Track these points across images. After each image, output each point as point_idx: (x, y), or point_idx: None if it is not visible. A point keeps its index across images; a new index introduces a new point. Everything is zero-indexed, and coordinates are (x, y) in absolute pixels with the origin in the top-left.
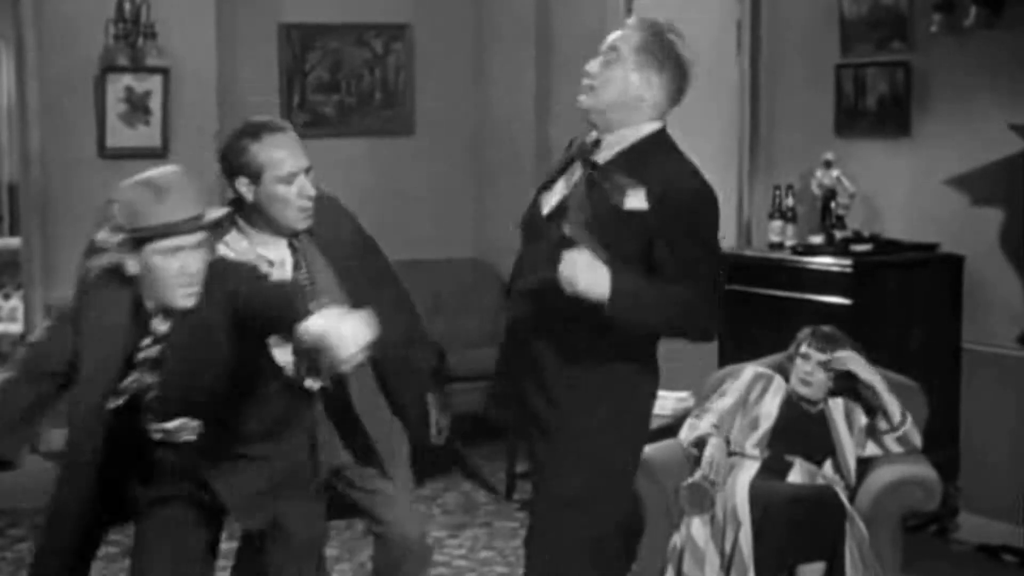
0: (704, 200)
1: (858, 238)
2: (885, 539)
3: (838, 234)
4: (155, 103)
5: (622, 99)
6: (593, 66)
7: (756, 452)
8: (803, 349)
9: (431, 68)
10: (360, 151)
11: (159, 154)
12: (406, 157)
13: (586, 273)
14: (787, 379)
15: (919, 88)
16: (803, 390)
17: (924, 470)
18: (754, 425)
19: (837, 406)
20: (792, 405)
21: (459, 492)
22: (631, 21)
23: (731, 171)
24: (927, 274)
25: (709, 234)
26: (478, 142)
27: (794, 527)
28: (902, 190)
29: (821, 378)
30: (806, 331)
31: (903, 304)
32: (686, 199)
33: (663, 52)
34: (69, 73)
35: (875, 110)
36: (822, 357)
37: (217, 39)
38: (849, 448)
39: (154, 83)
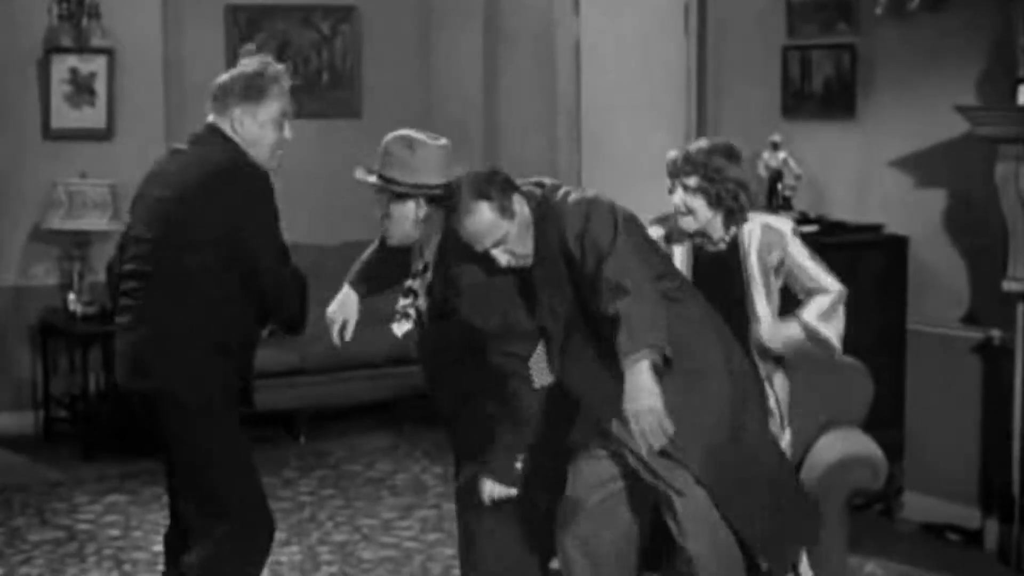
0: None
1: (804, 219)
2: (832, 518)
3: (785, 215)
4: (100, 84)
5: None
6: None
7: None
8: (669, 185)
9: (378, 50)
10: (307, 133)
11: (104, 136)
12: (353, 139)
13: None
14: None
15: (864, 70)
16: (688, 224)
17: (870, 449)
18: None
19: (753, 234)
20: (697, 251)
21: (409, 474)
22: None
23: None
24: (872, 255)
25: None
26: (426, 124)
27: None
28: (848, 172)
29: (696, 202)
30: None
31: (848, 285)
32: None
33: None
34: (12, 54)
35: (821, 92)
36: (684, 181)
37: (162, 20)
38: (756, 275)
39: (99, 64)
